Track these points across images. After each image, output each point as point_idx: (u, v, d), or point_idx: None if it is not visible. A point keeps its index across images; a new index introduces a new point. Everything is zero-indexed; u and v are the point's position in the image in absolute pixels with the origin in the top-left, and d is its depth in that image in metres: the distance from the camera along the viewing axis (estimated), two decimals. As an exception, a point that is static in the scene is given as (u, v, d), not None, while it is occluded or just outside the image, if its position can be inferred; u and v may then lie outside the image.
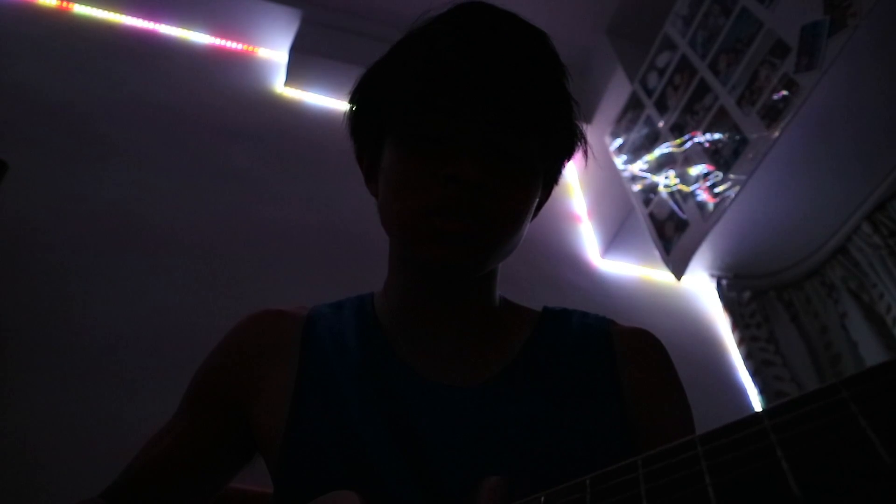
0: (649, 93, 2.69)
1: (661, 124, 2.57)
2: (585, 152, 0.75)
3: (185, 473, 0.69)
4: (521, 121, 0.64)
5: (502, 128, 0.64)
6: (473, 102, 0.63)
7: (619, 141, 2.84)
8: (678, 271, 2.36)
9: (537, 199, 0.71)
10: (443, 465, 0.64)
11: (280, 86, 3.03)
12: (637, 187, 2.64)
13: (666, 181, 2.45)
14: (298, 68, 3.01)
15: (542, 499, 0.42)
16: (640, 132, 2.70)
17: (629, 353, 0.74)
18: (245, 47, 3.14)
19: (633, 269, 2.92)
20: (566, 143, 0.72)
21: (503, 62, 0.64)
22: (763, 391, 2.46)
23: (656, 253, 2.49)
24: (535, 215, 0.75)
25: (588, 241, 3.01)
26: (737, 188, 2.12)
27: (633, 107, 2.81)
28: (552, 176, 0.74)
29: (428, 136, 0.65)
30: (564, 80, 0.70)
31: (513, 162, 0.65)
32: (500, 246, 0.66)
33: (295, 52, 3.02)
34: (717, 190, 2.20)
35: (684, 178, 2.36)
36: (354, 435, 0.66)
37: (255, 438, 0.72)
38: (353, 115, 0.74)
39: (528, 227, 0.72)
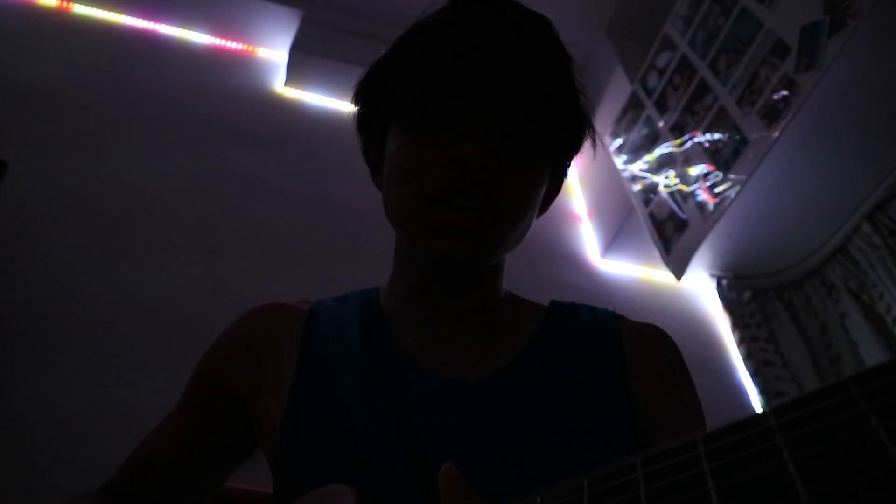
0: (649, 93, 2.69)
1: (661, 124, 2.56)
2: (594, 141, 0.74)
3: (185, 467, 0.69)
4: (524, 102, 0.64)
5: (506, 109, 0.63)
6: (475, 84, 0.63)
7: (619, 141, 2.84)
8: (678, 271, 2.36)
9: (544, 187, 0.70)
10: (442, 459, 0.63)
11: (280, 86, 3.03)
12: (637, 187, 2.63)
13: (666, 181, 2.45)
14: (298, 68, 3.01)
15: (538, 499, 0.41)
16: (640, 132, 2.70)
17: (638, 349, 0.72)
18: (245, 47, 3.13)
19: (633, 269, 2.92)
20: (572, 127, 0.71)
21: (504, 44, 0.64)
22: (763, 391, 2.46)
23: (656, 253, 2.49)
24: (544, 210, 0.74)
25: (588, 241, 3.01)
26: (737, 188, 2.12)
27: (633, 107, 2.81)
28: (560, 165, 0.73)
29: (431, 120, 0.64)
30: (568, 63, 0.69)
31: (518, 145, 0.65)
32: (505, 235, 0.65)
33: (295, 52, 3.02)
34: (717, 190, 2.20)
35: (684, 178, 2.36)
36: (353, 428, 0.65)
37: (256, 432, 0.71)
38: (358, 109, 0.74)
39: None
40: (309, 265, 2.31)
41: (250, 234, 2.36)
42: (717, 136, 2.25)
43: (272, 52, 3.14)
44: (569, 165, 0.75)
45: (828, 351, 2.46)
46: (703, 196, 2.26)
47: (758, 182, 2.14)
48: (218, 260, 2.23)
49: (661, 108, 2.58)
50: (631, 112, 2.81)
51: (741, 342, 2.61)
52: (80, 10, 2.91)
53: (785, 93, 1.99)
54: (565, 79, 0.68)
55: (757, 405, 2.47)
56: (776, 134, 2.00)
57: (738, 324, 2.63)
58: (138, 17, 2.99)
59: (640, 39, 3.05)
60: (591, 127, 0.73)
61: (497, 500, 0.48)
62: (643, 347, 0.73)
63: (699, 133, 2.33)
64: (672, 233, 2.38)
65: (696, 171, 2.31)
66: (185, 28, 3.05)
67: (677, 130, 2.45)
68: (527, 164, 0.66)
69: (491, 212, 0.63)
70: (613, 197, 2.89)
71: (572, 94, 0.69)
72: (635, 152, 2.70)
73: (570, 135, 0.71)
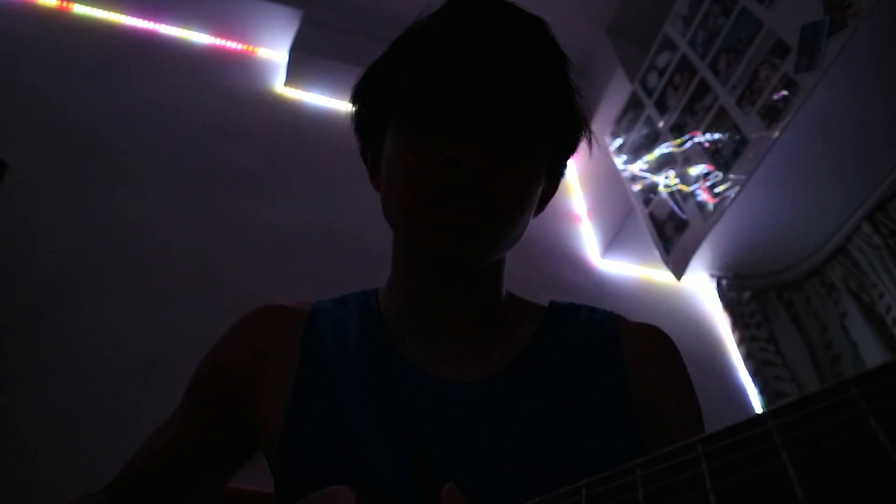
0: (649, 93, 2.69)
1: (661, 124, 2.56)
2: (590, 141, 0.74)
3: (186, 468, 0.70)
4: (519, 103, 0.64)
5: (501, 111, 0.64)
6: (472, 86, 0.63)
7: (619, 141, 2.84)
8: (678, 271, 2.36)
9: (540, 188, 0.70)
10: (441, 461, 0.63)
11: (280, 86, 3.02)
12: (637, 187, 2.63)
13: (666, 181, 2.45)
14: (298, 68, 3.01)
15: (537, 501, 0.42)
16: (640, 132, 2.70)
17: (637, 350, 0.72)
18: (245, 47, 3.13)
19: (633, 269, 2.92)
20: (568, 129, 0.71)
21: (501, 46, 0.64)
22: (763, 391, 2.46)
23: (656, 253, 2.49)
24: (541, 209, 0.75)
25: (588, 241, 3.01)
26: (737, 188, 2.11)
27: (633, 107, 2.81)
28: (557, 165, 0.73)
29: (427, 122, 0.64)
30: (564, 65, 0.69)
31: (513, 147, 0.65)
32: (501, 235, 0.65)
33: (295, 52, 3.02)
34: (717, 190, 2.20)
35: (684, 178, 2.36)
36: (353, 429, 0.65)
37: (257, 434, 0.71)
38: (356, 111, 0.74)
39: (529, 227, 0.71)
40: (308, 266, 2.31)
41: (250, 234, 2.36)
42: (717, 136, 2.25)
43: (272, 52, 3.14)
44: (566, 165, 0.75)
45: (828, 351, 2.46)
46: (703, 196, 2.26)
47: (758, 182, 2.14)
48: (217, 260, 2.23)
49: (661, 108, 2.58)
50: (631, 112, 2.81)
51: (741, 342, 2.61)
52: (80, 10, 2.91)
53: (785, 93, 1.99)
54: (561, 79, 0.69)
55: (757, 405, 2.47)
56: (776, 134, 2.00)
57: (738, 324, 2.63)
58: (138, 17, 2.99)
59: (640, 39, 3.05)
60: (587, 127, 0.73)
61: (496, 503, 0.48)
62: (642, 348, 0.73)
63: (699, 133, 2.33)
64: (672, 233, 2.38)
65: (696, 171, 2.31)
66: (185, 28, 3.05)
67: (677, 130, 2.45)
68: (523, 164, 0.66)
69: (487, 211, 0.63)
70: (613, 197, 2.89)
71: (568, 94, 0.70)
72: (635, 152, 2.70)
73: (566, 135, 0.72)
